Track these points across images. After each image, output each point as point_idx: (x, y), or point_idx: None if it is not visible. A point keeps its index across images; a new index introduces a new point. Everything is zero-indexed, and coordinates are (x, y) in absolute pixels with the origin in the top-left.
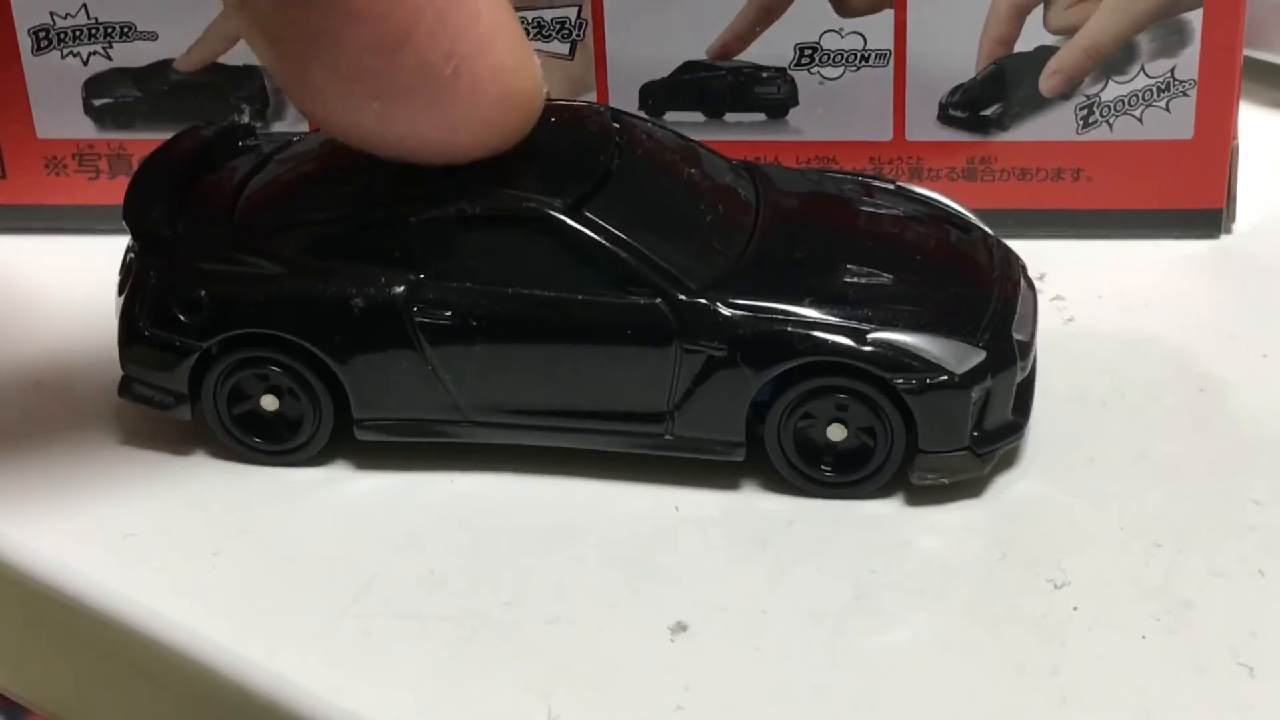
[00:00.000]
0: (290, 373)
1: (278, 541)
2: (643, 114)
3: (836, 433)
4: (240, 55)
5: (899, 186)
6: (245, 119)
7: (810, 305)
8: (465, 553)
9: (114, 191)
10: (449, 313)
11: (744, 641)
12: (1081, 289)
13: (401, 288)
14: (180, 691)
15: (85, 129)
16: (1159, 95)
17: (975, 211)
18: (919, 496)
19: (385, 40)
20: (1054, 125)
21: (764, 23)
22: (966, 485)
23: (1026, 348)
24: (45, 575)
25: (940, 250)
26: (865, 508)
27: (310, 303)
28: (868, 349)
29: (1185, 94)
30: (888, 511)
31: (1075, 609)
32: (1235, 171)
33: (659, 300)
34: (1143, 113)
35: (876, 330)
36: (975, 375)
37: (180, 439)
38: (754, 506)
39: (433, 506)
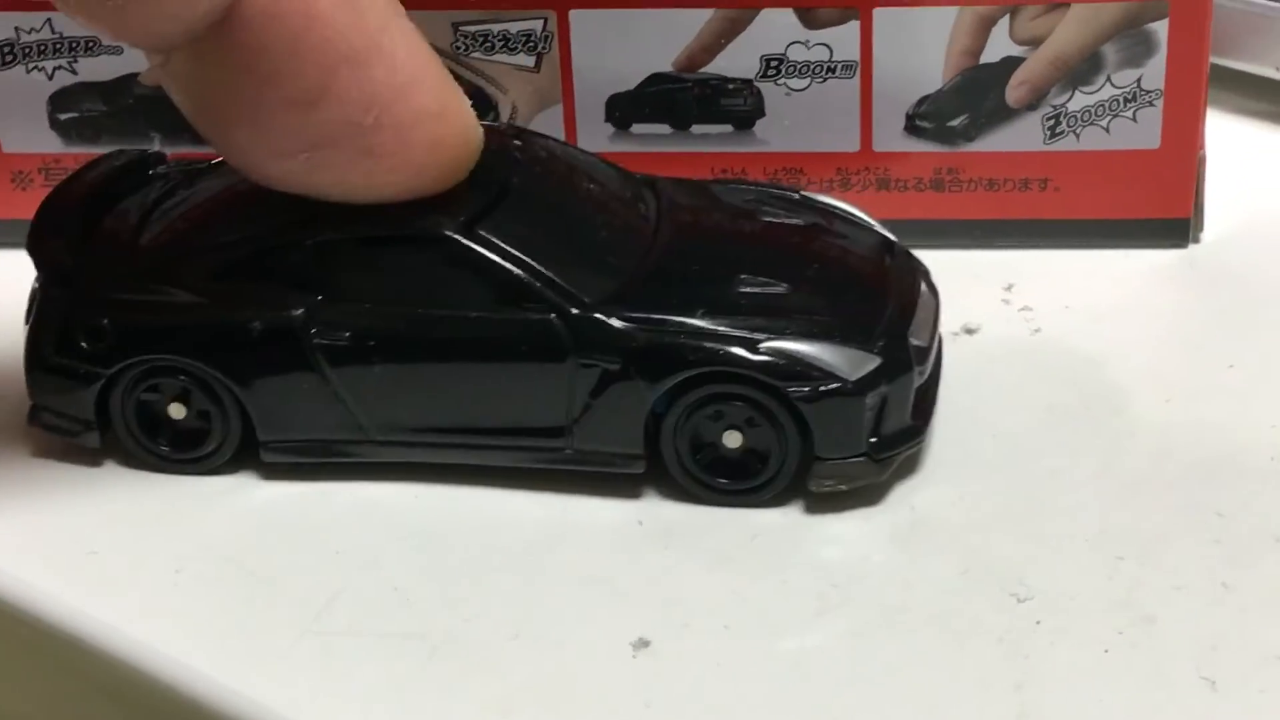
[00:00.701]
0: (200, 388)
1: (239, 559)
2: (542, 133)
3: (732, 440)
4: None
5: (803, 196)
6: (156, 147)
7: (703, 316)
8: (425, 569)
9: None
10: (347, 334)
11: (706, 657)
12: (1049, 299)
13: (300, 310)
14: (144, 711)
15: (51, 143)
16: (1125, 105)
17: (943, 223)
18: (880, 504)
19: (301, 97)
20: (1021, 136)
21: (730, 35)
22: (928, 490)
23: (925, 353)
24: (7, 595)
25: (837, 259)
26: (830, 517)
27: (211, 328)
28: (760, 358)
29: (1152, 104)
30: (851, 523)
31: (1038, 623)
32: (1203, 181)
33: (553, 316)
34: (1109, 123)
35: (769, 339)
36: (869, 381)
37: (100, 455)
38: (717, 521)
39: (392, 520)
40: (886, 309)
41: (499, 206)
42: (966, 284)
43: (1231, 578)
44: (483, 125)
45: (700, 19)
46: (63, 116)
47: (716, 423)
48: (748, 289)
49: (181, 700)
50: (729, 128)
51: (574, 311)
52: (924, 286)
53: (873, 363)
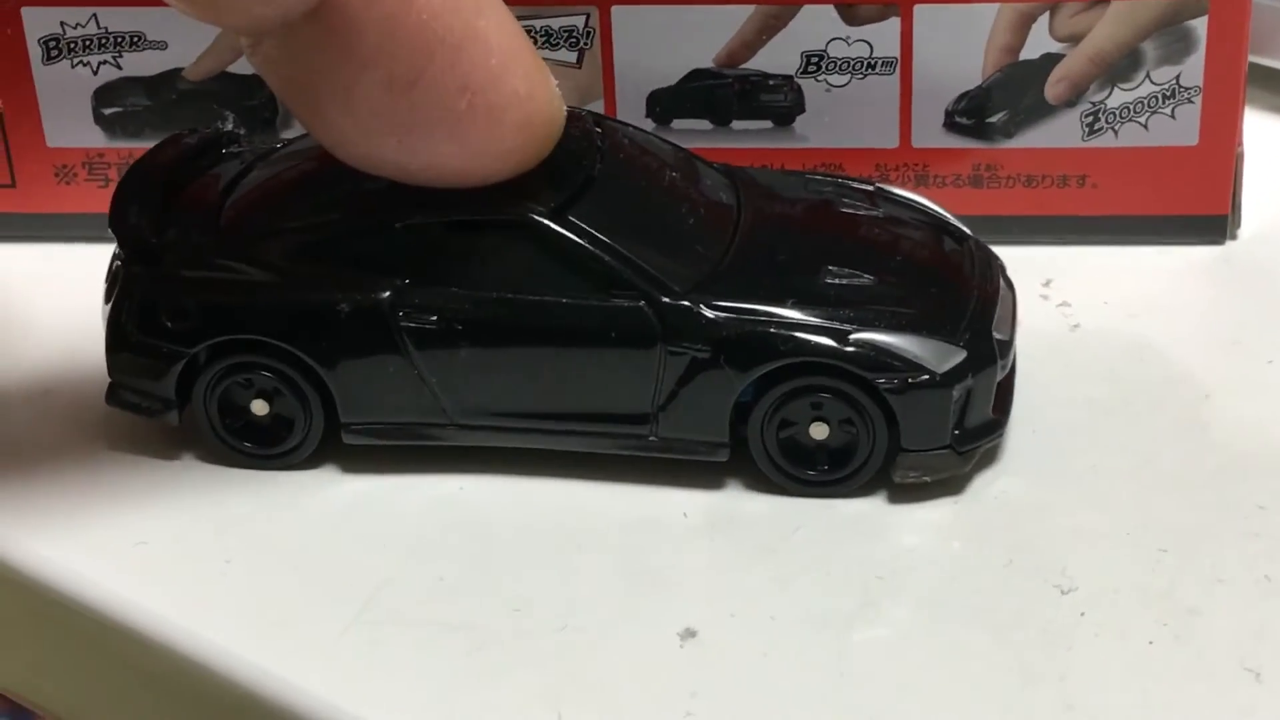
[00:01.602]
0: (279, 377)
1: (288, 549)
2: (621, 119)
3: (819, 432)
4: (249, 64)
5: (878, 188)
6: (229, 126)
7: (793, 306)
8: (473, 560)
9: None
10: (434, 317)
11: (752, 648)
12: (1087, 295)
13: (387, 293)
14: (192, 700)
15: (95, 138)
16: (1164, 102)
17: (981, 218)
18: (925, 496)
19: (397, 80)
20: (1060, 132)
21: (771, 31)
22: (971, 484)
23: (1006, 347)
24: (59, 584)
25: (919, 251)
26: (873, 509)
27: (296, 308)
28: (850, 349)
29: (1190, 101)
30: (892, 518)
31: (1082, 615)
32: (1240, 178)
33: (643, 303)
34: (1148, 119)
35: (858, 331)
36: (956, 374)
37: (183, 445)
38: (760, 512)
39: (438, 512)
40: (970, 302)
41: (586, 193)
42: None
43: (1273, 570)
44: (575, 110)
45: (741, 15)
46: (107, 111)
47: (804, 414)
48: (835, 280)
49: (230, 690)
50: (769, 124)
51: (664, 300)
52: (1002, 281)
53: (959, 355)
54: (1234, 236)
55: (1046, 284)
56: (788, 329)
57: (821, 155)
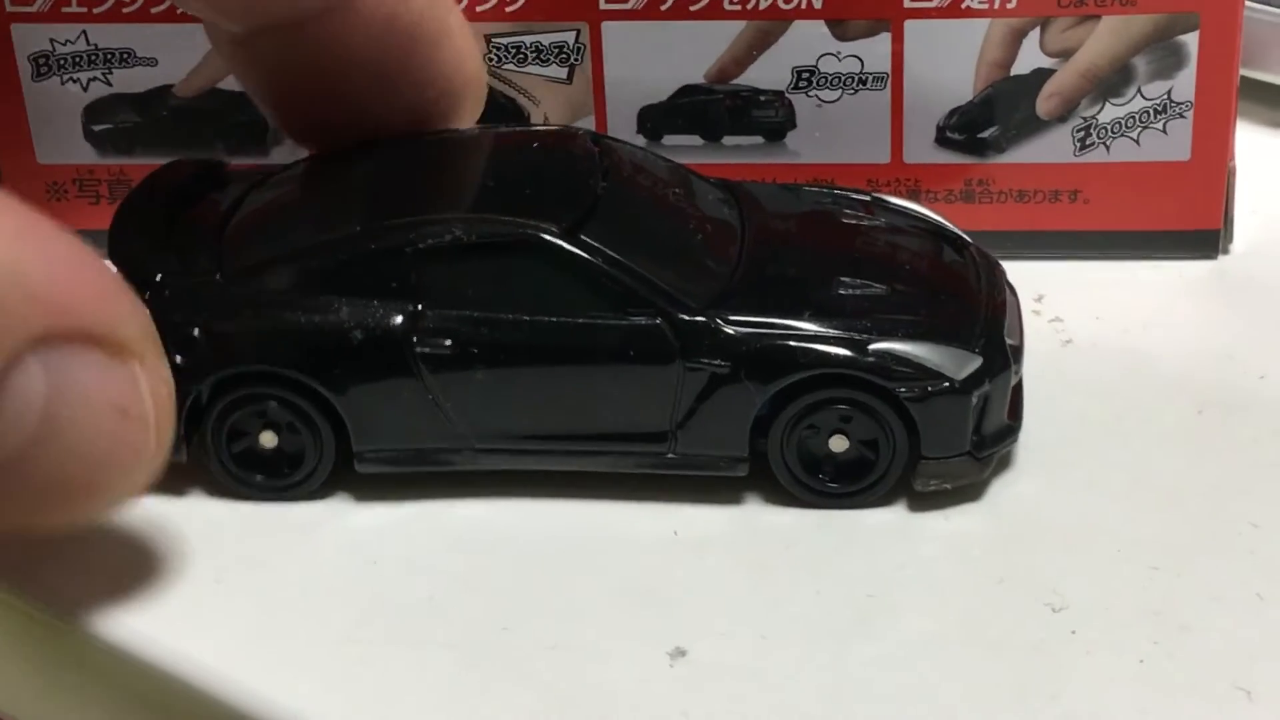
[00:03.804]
0: (289, 408)
1: (278, 570)
2: (615, 137)
3: (839, 444)
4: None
5: (875, 198)
6: (221, 156)
7: (809, 319)
8: (463, 579)
9: None
10: (449, 341)
11: (742, 667)
12: (1079, 310)
13: (400, 318)
14: (179, 718)
15: (86, 154)
16: (1156, 117)
17: (973, 234)
18: (915, 512)
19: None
20: (1051, 147)
21: (761, 46)
22: (963, 501)
23: (1019, 352)
24: (48, 603)
25: (925, 259)
26: (864, 525)
27: (308, 336)
28: (870, 359)
29: (1182, 115)
30: (885, 531)
31: (1073, 632)
32: (1233, 192)
33: (660, 320)
34: (1140, 134)
35: (876, 340)
36: (974, 381)
37: (179, 470)
38: (753, 527)
39: (429, 533)
40: (981, 308)
41: (595, 212)
42: None
43: (1266, 588)
44: (563, 129)
45: (732, 31)
46: (97, 128)
47: (825, 426)
48: (849, 290)
49: (218, 708)
50: (760, 139)
51: (682, 316)
52: (1006, 286)
53: (976, 362)
54: (1226, 251)
55: (1039, 300)
56: (807, 341)
57: (813, 171)
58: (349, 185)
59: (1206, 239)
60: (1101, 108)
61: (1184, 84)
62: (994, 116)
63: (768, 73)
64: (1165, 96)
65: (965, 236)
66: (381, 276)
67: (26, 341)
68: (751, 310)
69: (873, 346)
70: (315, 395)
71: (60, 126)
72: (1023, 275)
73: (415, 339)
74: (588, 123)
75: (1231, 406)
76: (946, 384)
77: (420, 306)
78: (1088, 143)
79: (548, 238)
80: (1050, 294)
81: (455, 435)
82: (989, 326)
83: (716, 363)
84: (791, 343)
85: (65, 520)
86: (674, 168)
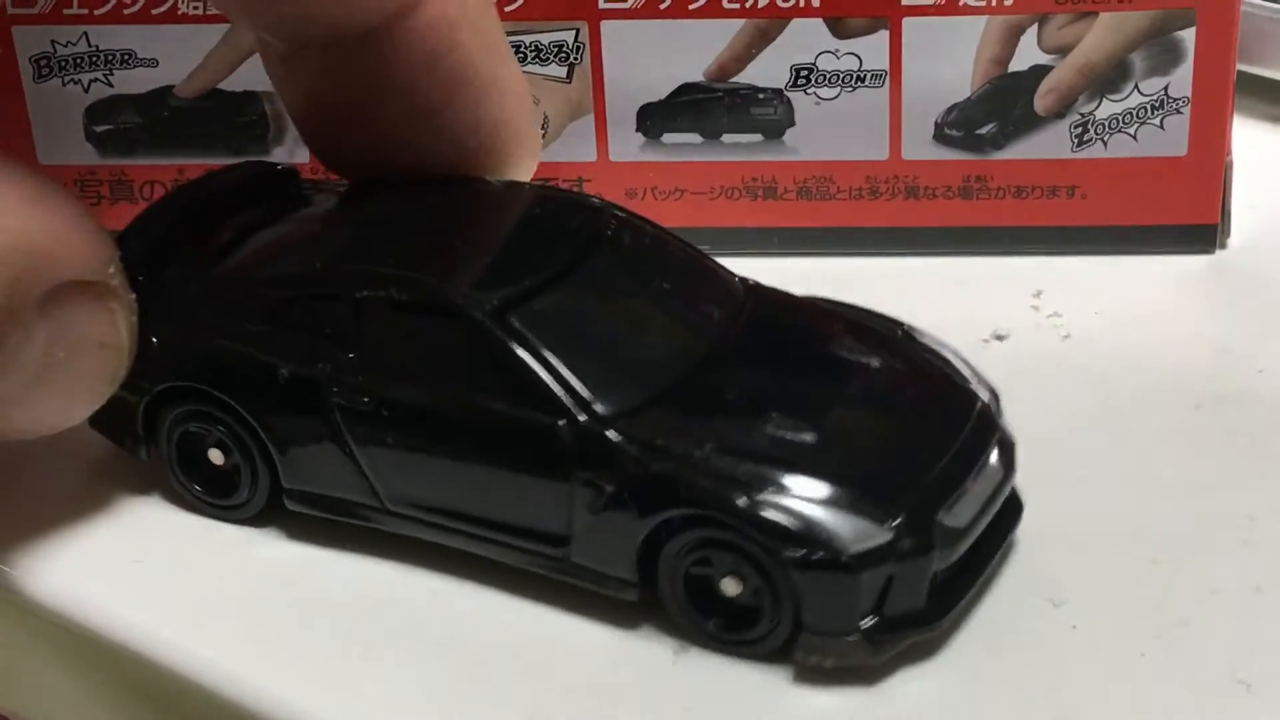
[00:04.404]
0: (229, 431)
1: (283, 570)
2: (635, 214)
3: (731, 587)
4: (240, 81)
5: (905, 333)
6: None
7: (711, 452)
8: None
9: (116, 217)
10: (366, 399)
11: (738, 662)
12: (1078, 305)
13: (328, 365)
14: (185, 715)
15: (87, 155)
16: (1153, 112)
17: (972, 230)
18: None
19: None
20: (1049, 143)
21: (760, 44)
22: None
23: (956, 534)
24: (53, 603)
25: (895, 414)
26: None
27: (245, 366)
28: (755, 510)
29: (1179, 111)
30: None
31: (1074, 627)
32: (1230, 187)
33: (562, 422)
34: (1137, 130)
35: (772, 492)
36: (870, 558)
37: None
38: None
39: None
40: (926, 480)
41: (551, 288)
42: (995, 291)
43: (1265, 581)
44: (585, 198)
45: (731, 29)
46: (98, 129)
47: (720, 566)
48: (774, 431)
49: (222, 705)
50: (759, 137)
51: (582, 420)
52: (995, 458)
53: (881, 538)
54: (1224, 246)
55: (1037, 295)
56: (694, 474)
57: (812, 168)
58: (346, 219)
59: (1204, 234)
60: (1099, 104)
61: (1181, 80)
62: (992, 113)
63: (766, 71)
64: (1162, 92)
65: (984, 396)
66: (322, 319)
67: (31, 299)
68: (657, 430)
69: (764, 497)
70: (249, 427)
71: (62, 127)
72: (1021, 271)
73: (335, 389)
74: (587, 121)
75: (1229, 400)
76: (830, 555)
77: (350, 356)
78: (1085, 139)
79: (471, 313)
80: (1048, 289)
81: (371, 492)
82: (921, 503)
83: (605, 479)
84: (680, 473)
85: (32, 435)
86: (690, 259)
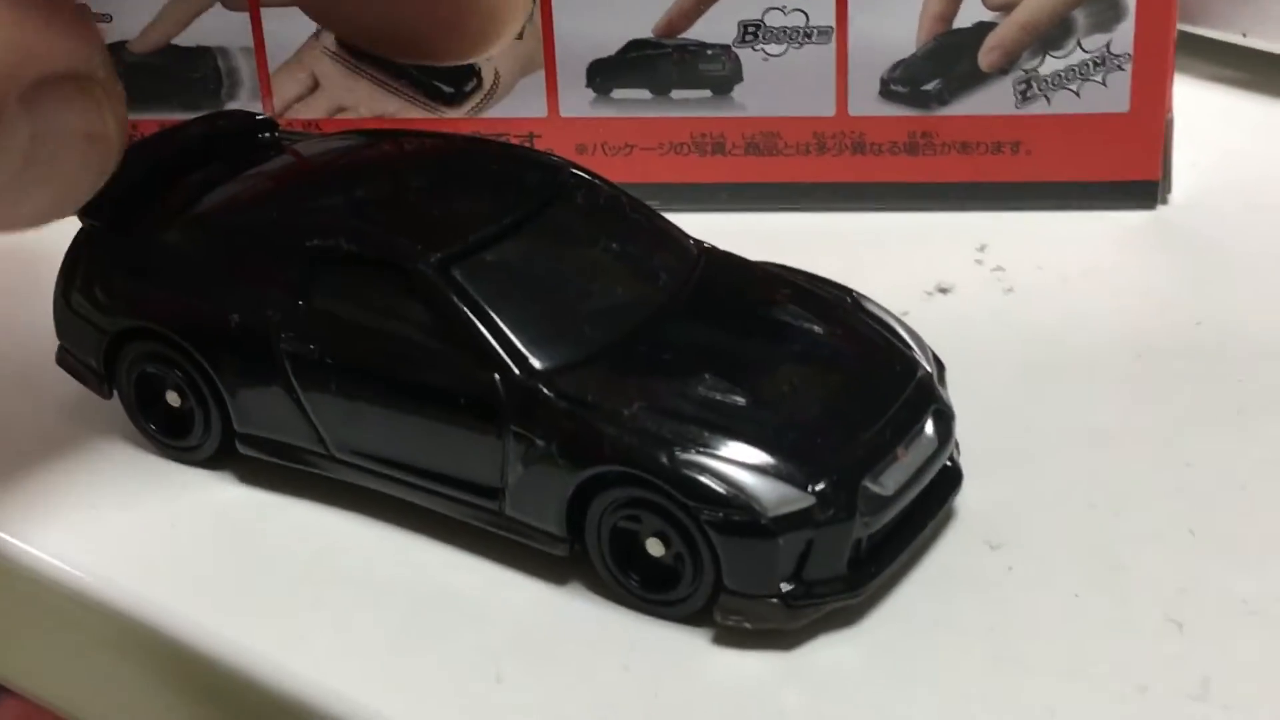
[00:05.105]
0: (183, 373)
1: (237, 514)
2: (594, 174)
3: (656, 548)
4: (194, 36)
5: (854, 300)
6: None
7: (640, 409)
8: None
9: None
10: (312, 346)
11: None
12: (1021, 260)
13: (277, 312)
14: (140, 660)
15: None
16: (1095, 69)
17: (917, 185)
18: None
19: None
20: (993, 100)
21: (708, 1)
22: None
23: (883, 501)
24: (12, 554)
25: (831, 380)
26: None
27: (199, 311)
28: (677, 469)
29: (1121, 68)
30: None
31: (1010, 569)
32: (1170, 144)
33: (496, 376)
34: (1080, 87)
35: (696, 452)
36: (790, 521)
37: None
38: None
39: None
40: (853, 447)
41: (500, 244)
42: (940, 245)
43: (1198, 524)
44: (544, 155)
45: None
46: None
47: (647, 526)
48: (705, 391)
49: (186, 654)
50: (708, 93)
51: (516, 375)
52: (930, 428)
53: (801, 502)
54: (1165, 201)
55: (981, 249)
56: (623, 432)
57: (759, 124)
58: (309, 170)
59: (1145, 189)
60: (1042, 60)
61: (1123, 37)
62: (937, 69)
63: (715, 27)
64: (1104, 49)
65: (926, 366)
66: (276, 267)
67: (12, 93)
68: (589, 386)
69: (687, 456)
70: (202, 371)
71: None
72: (965, 226)
73: (283, 336)
74: (538, 77)
75: (1168, 352)
76: (749, 517)
77: (300, 304)
78: (1029, 95)
79: (416, 265)
80: (992, 244)
81: (318, 439)
82: (846, 469)
83: (536, 433)
84: (606, 430)
85: (24, 228)
86: (645, 220)
